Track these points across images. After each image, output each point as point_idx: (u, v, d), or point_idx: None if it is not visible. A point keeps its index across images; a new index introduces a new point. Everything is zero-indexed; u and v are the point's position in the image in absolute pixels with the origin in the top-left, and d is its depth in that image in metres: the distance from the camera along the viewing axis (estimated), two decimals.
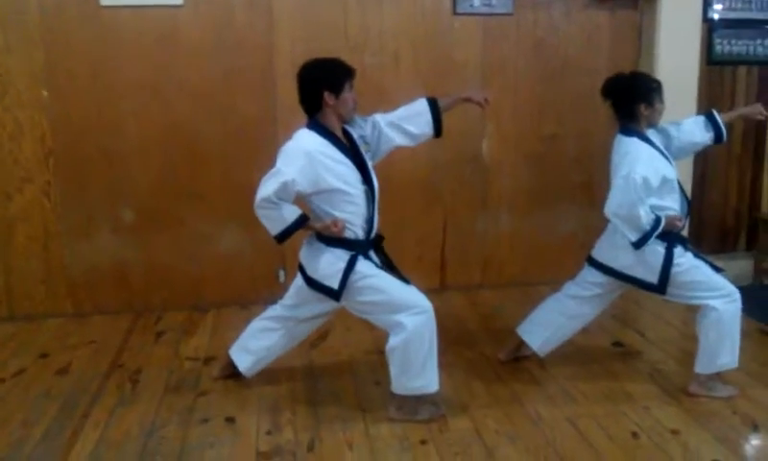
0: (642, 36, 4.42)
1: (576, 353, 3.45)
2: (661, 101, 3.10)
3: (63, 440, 2.77)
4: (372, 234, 2.93)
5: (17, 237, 4.02)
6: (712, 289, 2.99)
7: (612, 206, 3.00)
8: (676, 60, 4.29)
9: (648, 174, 2.92)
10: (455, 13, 4.22)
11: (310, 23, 4.10)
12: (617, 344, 3.67)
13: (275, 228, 2.81)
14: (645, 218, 2.94)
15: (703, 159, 4.45)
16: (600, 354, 3.53)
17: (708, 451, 2.65)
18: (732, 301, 2.99)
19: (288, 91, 4.14)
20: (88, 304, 4.18)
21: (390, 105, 4.24)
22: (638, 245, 2.98)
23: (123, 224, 4.13)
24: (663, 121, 3.20)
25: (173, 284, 4.24)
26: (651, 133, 3.12)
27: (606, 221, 3.12)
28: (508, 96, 4.36)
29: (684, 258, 3.01)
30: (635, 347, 3.63)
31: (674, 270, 2.99)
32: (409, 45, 4.21)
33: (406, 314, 2.77)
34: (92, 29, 3.92)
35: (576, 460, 2.60)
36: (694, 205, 4.18)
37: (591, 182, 4.53)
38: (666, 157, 3.08)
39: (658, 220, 2.95)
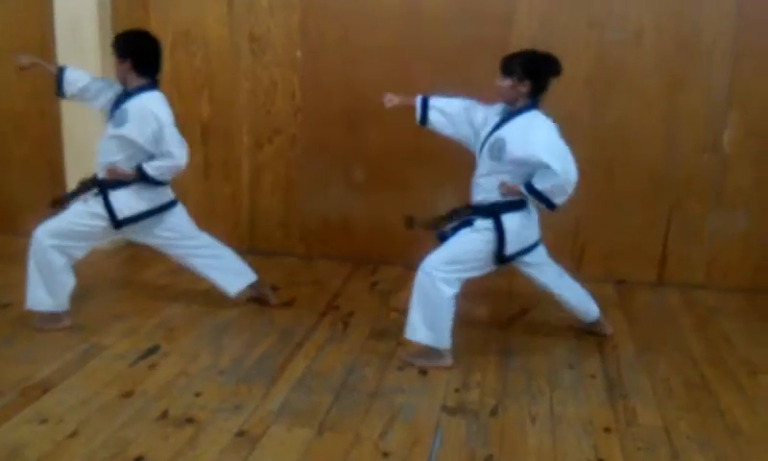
0: None
1: None
2: None
3: (277, 363, 3.15)
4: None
5: (264, 183, 4.55)
6: None
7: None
8: None
9: None
10: None
11: None
12: None
13: None
14: None
15: None
16: None
17: None
18: None
19: None
20: (317, 249, 4.62)
21: (626, 85, 4.08)
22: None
23: (354, 181, 4.48)
24: None
25: (391, 241, 4.52)
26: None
27: None
28: (760, 84, 3.97)
29: None
30: None
31: None
32: (654, 23, 3.99)
33: None
34: None
35: None
36: None
37: None
38: None
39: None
